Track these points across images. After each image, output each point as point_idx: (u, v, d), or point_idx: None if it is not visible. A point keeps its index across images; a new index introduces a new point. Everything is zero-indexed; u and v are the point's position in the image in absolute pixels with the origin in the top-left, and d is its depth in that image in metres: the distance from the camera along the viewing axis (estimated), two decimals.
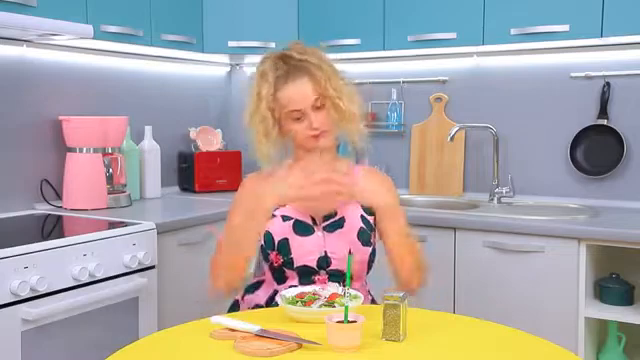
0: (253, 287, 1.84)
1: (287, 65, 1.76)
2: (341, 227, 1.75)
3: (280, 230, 1.73)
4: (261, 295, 1.80)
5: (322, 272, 1.73)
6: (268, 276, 1.79)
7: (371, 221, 1.79)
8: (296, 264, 1.72)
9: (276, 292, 1.75)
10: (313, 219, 1.76)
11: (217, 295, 1.76)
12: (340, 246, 1.73)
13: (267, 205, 1.73)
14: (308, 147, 1.75)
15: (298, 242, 1.72)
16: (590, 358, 2.46)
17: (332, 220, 1.76)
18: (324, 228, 1.75)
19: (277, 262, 1.73)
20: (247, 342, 1.35)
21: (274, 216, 1.75)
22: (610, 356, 2.49)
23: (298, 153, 1.81)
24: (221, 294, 1.76)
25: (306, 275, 1.73)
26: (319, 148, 1.75)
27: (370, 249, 1.77)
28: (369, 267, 1.80)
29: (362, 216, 1.78)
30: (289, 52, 1.78)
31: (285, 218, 1.74)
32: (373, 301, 1.82)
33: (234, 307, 1.86)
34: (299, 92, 1.73)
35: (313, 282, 1.72)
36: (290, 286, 1.71)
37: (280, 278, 1.76)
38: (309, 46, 1.81)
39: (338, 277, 1.73)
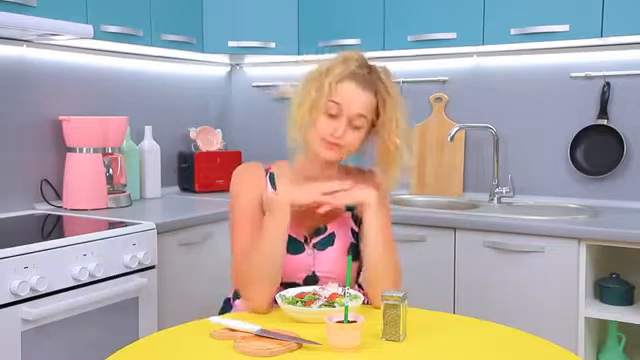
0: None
1: (370, 73, 1.68)
2: (332, 244, 1.71)
3: None
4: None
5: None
6: None
7: (359, 232, 1.75)
8: (284, 280, 1.67)
9: None
10: (304, 236, 1.71)
11: (262, 304, 1.62)
12: (329, 266, 1.70)
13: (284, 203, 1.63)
14: (317, 150, 1.67)
15: (287, 260, 1.66)
16: (590, 358, 2.46)
17: (322, 237, 1.72)
18: (314, 245, 1.71)
19: None
20: (247, 342, 1.35)
21: None
22: (610, 356, 2.49)
23: (305, 157, 1.74)
24: (263, 305, 1.62)
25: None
26: (325, 158, 1.68)
27: (358, 263, 1.75)
28: (358, 276, 1.80)
29: (352, 230, 1.75)
30: (377, 67, 1.70)
31: None
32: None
33: (226, 308, 1.81)
34: (357, 97, 1.64)
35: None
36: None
37: None
38: (389, 70, 1.73)
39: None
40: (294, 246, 1.69)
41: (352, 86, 1.64)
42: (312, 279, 1.71)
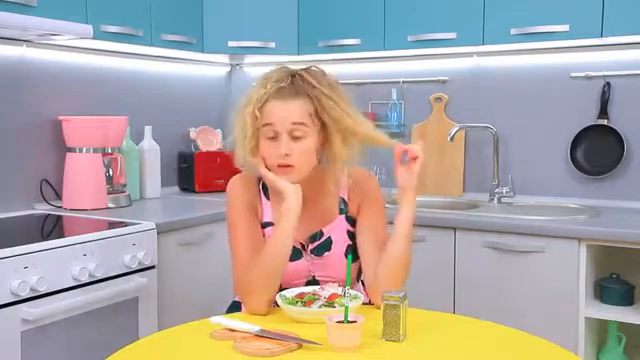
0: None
1: (293, 82, 1.64)
2: (328, 250, 1.71)
3: None
4: None
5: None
6: None
7: (354, 231, 1.75)
8: (284, 286, 1.67)
9: None
10: (301, 243, 1.71)
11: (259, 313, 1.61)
12: (328, 270, 1.70)
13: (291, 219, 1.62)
14: (277, 175, 1.65)
15: (286, 267, 1.65)
16: (590, 358, 2.46)
17: (319, 242, 1.71)
18: (312, 252, 1.71)
19: None
20: (247, 342, 1.35)
21: (264, 234, 1.70)
22: (610, 356, 2.49)
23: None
24: (262, 311, 1.61)
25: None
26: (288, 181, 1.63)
27: (358, 263, 1.74)
28: (358, 278, 1.79)
29: (348, 231, 1.74)
30: (305, 73, 1.65)
31: None
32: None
33: (233, 308, 1.82)
34: (285, 109, 1.61)
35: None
36: (275, 303, 1.68)
37: None
38: (333, 79, 1.67)
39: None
40: (292, 253, 1.67)
41: (277, 103, 1.61)
42: (312, 283, 1.71)
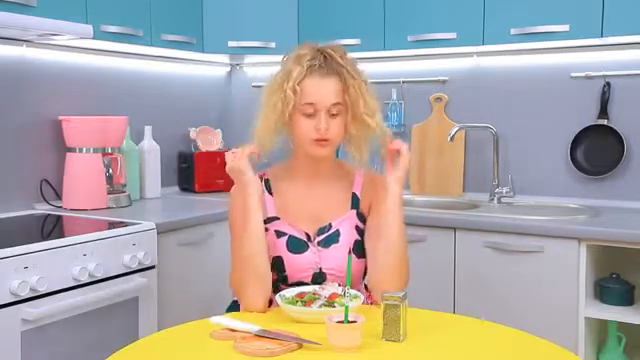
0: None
1: (326, 60, 1.67)
2: (336, 242, 1.71)
3: (274, 248, 1.70)
4: None
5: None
6: None
7: (364, 228, 1.75)
8: (290, 280, 1.69)
9: (271, 301, 1.74)
10: (307, 234, 1.72)
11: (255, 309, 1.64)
12: (335, 262, 1.70)
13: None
14: (308, 150, 1.69)
15: (292, 260, 1.68)
16: (590, 358, 2.46)
17: (327, 234, 1.72)
18: (319, 243, 1.72)
19: (272, 279, 1.69)
20: (247, 342, 1.35)
21: (267, 230, 1.70)
22: (610, 356, 2.49)
23: (297, 156, 1.75)
24: (258, 307, 1.64)
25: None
26: (319, 156, 1.70)
27: (364, 262, 1.74)
28: (363, 276, 1.79)
29: (357, 227, 1.75)
30: (331, 51, 1.69)
31: (279, 234, 1.71)
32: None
33: (232, 307, 1.82)
34: (324, 88, 1.65)
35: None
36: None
37: (275, 291, 1.72)
38: (344, 50, 1.73)
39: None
40: (297, 245, 1.70)
41: (314, 81, 1.66)
42: (320, 276, 1.70)
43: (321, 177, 1.74)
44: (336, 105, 1.66)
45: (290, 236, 1.71)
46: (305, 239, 1.71)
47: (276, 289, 1.70)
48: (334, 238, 1.72)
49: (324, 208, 1.73)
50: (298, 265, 1.69)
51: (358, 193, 1.77)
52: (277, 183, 1.77)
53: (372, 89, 1.71)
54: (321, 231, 1.73)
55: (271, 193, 1.76)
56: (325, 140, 1.66)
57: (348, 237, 1.72)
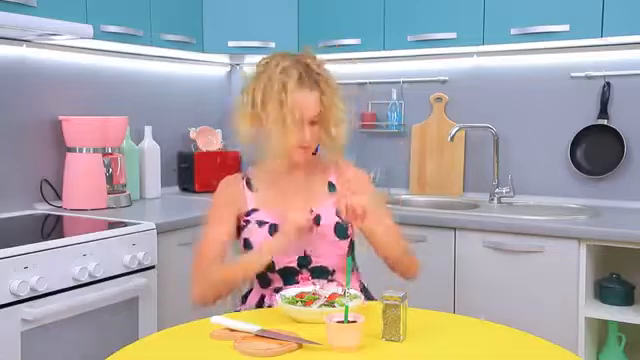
0: (246, 297, 1.87)
1: (305, 72, 1.73)
2: (317, 224, 1.75)
3: (256, 237, 1.75)
4: (250, 301, 1.83)
5: (304, 270, 1.75)
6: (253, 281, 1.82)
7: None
8: (277, 267, 1.73)
9: (263, 297, 1.79)
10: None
11: (202, 304, 1.75)
12: (318, 244, 1.74)
13: (264, 259, 1.72)
14: (290, 155, 1.75)
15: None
16: (590, 358, 2.46)
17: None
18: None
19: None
20: (247, 342, 1.35)
21: (248, 222, 1.77)
22: (610, 356, 2.49)
23: (274, 158, 1.78)
24: (208, 304, 1.75)
25: (289, 275, 1.75)
26: (300, 160, 1.77)
27: (348, 241, 1.78)
28: (349, 251, 1.81)
29: (337, 212, 1.76)
30: (307, 60, 1.76)
31: (260, 223, 1.76)
32: (364, 289, 1.83)
33: (246, 298, 1.87)
34: (307, 101, 1.71)
35: (297, 282, 1.74)
36: (275, 288, 1.74)
37: (264, 281, 1.78)
38: (320, 59, 1.79)
39: (321, 273, 1.75)
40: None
41: (303, 93, 1.72)
42: (305, 260, 1.75)
43: (299, 172, 1.81)
44: (318, 114, 1.74)
45: (272, 224, 1.75)
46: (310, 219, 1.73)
47: (264, 278, 1.76)
48: (316, 222, 1.75)
49: (303, 197, 1.78)
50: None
51: (334, 181, 1.85)
52: (257, 181, 1.84)
53: (342, 95, 1.79)
54: None
55: (251, 189, 1.83)
56: (307, 147, 1.76)
57: (329, 220, 1.76)
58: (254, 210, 1.79)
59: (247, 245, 1.76)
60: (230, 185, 1.87)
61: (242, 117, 1.76)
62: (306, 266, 1.75)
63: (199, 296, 1.74)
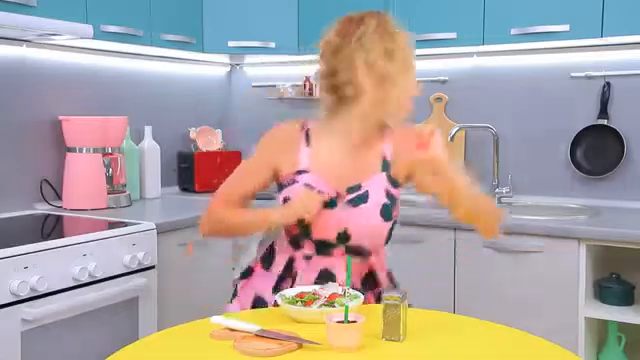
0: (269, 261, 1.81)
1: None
2: (365, 202, 1.69)
3: None
4: (278, 264, 1.76)
5: (340, 246, 1.70)
6: (282, 241, 1.77)
7: (396, 194, 1.74)
8: (314, 237, 1.69)
9: (292, 260, 1.74)
10: (338, 192, 1.70)
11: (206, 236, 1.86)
12: (361, 222, 1.68)
13: (268, 224, 1.71)
14: (406, 109, 1.69)
15: (320, 215, 1.66)
16: (590, 358, 2.46)
17: (356, 194, 1.70)
18: (348, 202, 1.70)
19: (294, 232, 1.70)
20: (247, 342, 1.35)
21: (295, 182, 1.70)
22: (610, 356, 2.49)
23: (340, 115, 1.71)
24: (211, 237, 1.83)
25: (323, 247, 1.70)
26: (407, 116, 1.72)
27: (391, 223, 1.73)
28: (387, 240, 1.78)
29: (387, 191, 1.72)
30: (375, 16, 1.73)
31: (310, 188, 1.69)
32: (389, 274, 1.81)
33: (246, 273, 1.85)
34: None
35: (330, 255, 1.70)
36: (306, 255, 1.71)
37: (296, 245, 1.73)
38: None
39: (357, 253, 1.71)
40: (328, 202, 1.68)
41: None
42: (344, 237, 1.68)
43: (357, 138, 1.72)
44: None
45: (320, 191, 1.68)
46: (335, 195, 1.70)
47: (297, 242, 1.72)
48: (363, 198, 1.70)
49: (355, 168, 1.71)
50: (324, 221, 1.68)
51: (389, 157, 1.75)
52: (315, 137, 1.75)
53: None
54: (350, 190, 1.71)
55: (308, 145, 1.74)
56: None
57: (377, 199, 1.70)
58: (304, 171, 1.71)
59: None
60: (285, 136, 1.76)
61: (351, 68, 1.64)
62: (344, 243, 1.69)
63: (206, 229, 1.83)
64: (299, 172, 1.71)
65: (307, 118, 1.79)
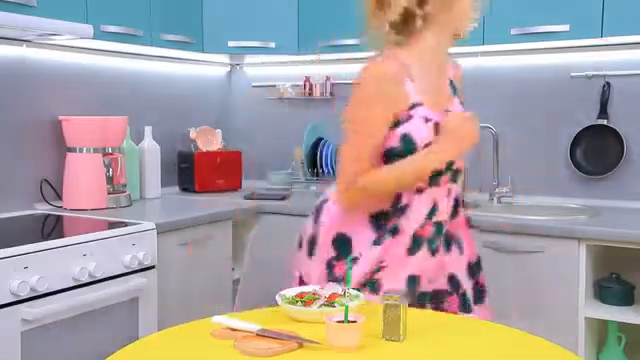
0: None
1: None
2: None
3: (420, 134, 1.69)
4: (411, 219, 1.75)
5: (447, 173, 1.76)
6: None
7: None
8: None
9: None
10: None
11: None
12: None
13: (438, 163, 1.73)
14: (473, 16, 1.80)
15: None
16: (590, 358, 2.46)
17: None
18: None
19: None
20: (247, 342, 1.35)
21: (411, 117, 1.69)
22: (610, 356, 2.49)
23: (424, 38, 1.76)
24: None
25: (435, 177, 1.74)
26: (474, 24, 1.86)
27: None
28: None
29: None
30: None
31: (426, 120, 1.70)
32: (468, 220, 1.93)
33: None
34: None
35: (438, 184, 1.75)
36: (419, 188, 1.73)
37: None
38: None
39: (458, 175, 1.81)
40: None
41: None
42: (450, 162, 1.75)
43: (442, 61, 1.82)
44: None
45: (436, 122, 1.72)
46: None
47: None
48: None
49: (443, 93, 1.81)
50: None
51: (452, 77, 1.89)
52: (413, 68, 1.73)
53: None
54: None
55: (412, 80, 1.72)
56: None
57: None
58: (418, 104, 1.70)
59: (406, 141, 1.68)
60: (389, 85, 1.71)
61: None
62: (450, 168, 1.75)
63: (348, 202, 1.74)
64: (413, 106, 1.70)
65: (392, 51, 1.76)
